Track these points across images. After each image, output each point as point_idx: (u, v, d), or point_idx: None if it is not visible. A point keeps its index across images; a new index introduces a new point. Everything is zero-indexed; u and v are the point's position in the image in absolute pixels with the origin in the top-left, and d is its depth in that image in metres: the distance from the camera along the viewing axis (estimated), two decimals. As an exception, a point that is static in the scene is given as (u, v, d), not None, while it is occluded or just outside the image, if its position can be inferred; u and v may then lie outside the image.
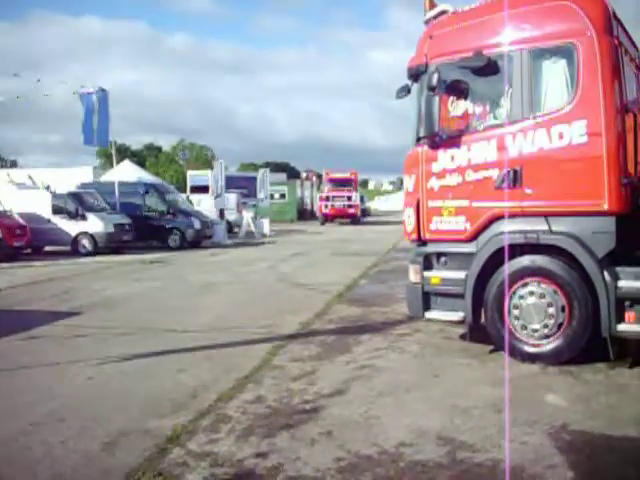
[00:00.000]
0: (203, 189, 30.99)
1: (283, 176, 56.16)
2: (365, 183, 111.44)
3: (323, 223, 40.95)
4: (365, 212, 48.01)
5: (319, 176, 48.65)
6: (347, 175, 43.71)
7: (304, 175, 56.71)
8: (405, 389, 5.87)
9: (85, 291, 12.73)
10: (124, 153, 65.80)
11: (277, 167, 76.67)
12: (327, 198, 41.54)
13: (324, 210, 41.47)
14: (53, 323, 9.19)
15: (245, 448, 4.53)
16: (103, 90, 24.48)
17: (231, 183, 37.84)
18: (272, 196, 42.76)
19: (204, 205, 28.42)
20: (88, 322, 9.29)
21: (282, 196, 47.13)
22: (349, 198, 41.16)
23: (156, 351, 7.40)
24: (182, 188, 41.38)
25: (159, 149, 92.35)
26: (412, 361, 6.89)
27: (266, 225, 31.63)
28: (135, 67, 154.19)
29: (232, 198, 32.27)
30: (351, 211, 41.25)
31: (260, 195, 36.14)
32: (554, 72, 6.28)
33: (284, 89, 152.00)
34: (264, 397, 5.68)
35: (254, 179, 39.22)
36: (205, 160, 74.28)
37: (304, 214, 49.11)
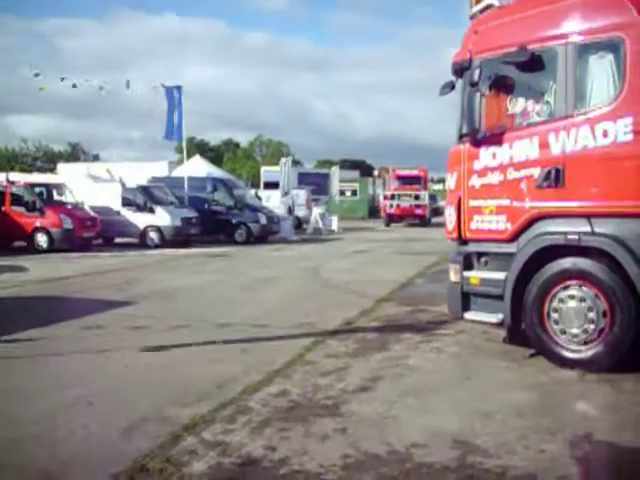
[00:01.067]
0: (277, 185, 31.04)
1: (356, 173, 55.98)
2: (442, 182, 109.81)
3: (388, 224, 36.44)
4: (437, 211, 46.71)
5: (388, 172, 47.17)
6: (415, 172, 39.59)
7: (376, 172, 56.12)
8: (432, 389, 5.77)
9: (145, 282, 13.08)
10: (202, 148, 67.17)
11: (353, 164, 76.32)
12: (392, 197, 36.78)
13: (388, 210, 36.65)
14: (106, 311, 9.47)
15: (257, 440, 4.56)
16: (178, 87, 25.16)
17: (304, 179, 38.20)
18: (343, 193, 42.54)
19: (273, 201, 28.74)
20: (140, 312, 9.55)
21: (354, 193, 46.82)
22: (417, 197, 36.45)
23: (197, 341, 7.54)
24: (258, 184, 42.01)
25: (237, 145, 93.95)
26: (448, 362, 6.76)
27: (335, 222, 31.69)
28: (214, 64, 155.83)
29: (302, 194, 32.60)
30: (418, 212, 36.33)
31: (330, 192, 36.27)
32: (599, 67, 5.99)
33: (362, 86, 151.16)
34: (289, 391, 5.70)
35: (327, 176, 39.37)
36: (281, 156, 75.00)
37: (376, 212, 48.59)
